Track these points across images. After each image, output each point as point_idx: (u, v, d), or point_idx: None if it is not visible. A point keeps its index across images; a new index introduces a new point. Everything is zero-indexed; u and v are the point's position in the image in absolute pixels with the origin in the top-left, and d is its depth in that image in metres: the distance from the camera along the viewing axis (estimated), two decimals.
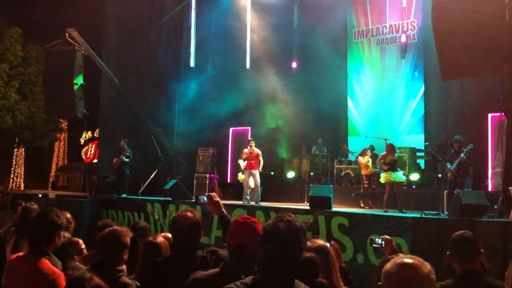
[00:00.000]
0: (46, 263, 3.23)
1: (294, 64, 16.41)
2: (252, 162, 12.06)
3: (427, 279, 2.04)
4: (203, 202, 3.99)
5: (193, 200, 11.59)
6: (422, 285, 2.03)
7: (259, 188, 12.03)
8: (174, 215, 10.81)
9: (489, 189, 10.90)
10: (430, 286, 2.05)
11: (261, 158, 12.20)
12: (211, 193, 4.01)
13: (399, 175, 10.75)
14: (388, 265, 2.10)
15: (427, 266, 2.07)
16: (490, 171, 11.25)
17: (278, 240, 2.29)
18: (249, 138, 12.39)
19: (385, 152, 10.94)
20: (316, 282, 2.96)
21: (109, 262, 3.31)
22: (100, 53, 15.87)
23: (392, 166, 10.74)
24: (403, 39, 14.54)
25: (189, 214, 3.40)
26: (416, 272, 2.03)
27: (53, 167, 23.49)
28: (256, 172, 12.06)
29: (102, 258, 3.39)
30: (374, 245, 4.08)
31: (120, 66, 15.99)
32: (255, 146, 12.19)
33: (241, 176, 12.77)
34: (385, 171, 10.72)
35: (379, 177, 11.20)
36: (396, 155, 11.03)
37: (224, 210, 3.95)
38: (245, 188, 12.18)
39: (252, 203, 11.87)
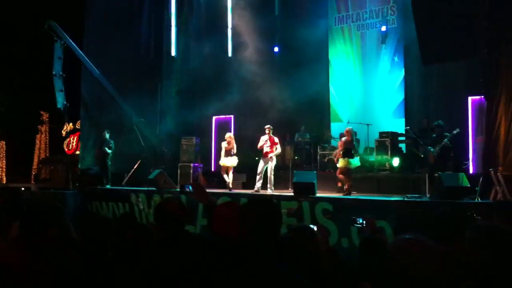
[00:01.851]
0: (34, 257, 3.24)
1: (276, 49, 16.37)
2: (269, 149, 11.93)
3: (434, 251, 2.11)
4: (188, 191, 4.00)
5: (178, 190, 11.59)
6: (429, 257, 2.11)
7: (273, 176, 11.98)
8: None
9: (470, 171, 11.06)
10: (437, 259, 2.13)
11: (278, 146, 12.09)
12: (197, 181, 4.03)
13: (355, 161, 11.02)
14: (394, 242, 2.18)
15: (430, 241, 2.15)
16: (470, 153, 11.41)
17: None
18: (266, 126, 12.11)
19: (347, 138, 11.09)
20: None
21: None
22: (80, 43, 15.71)
23: (348, 151, 10.95)
24: (383, 29, 14.59)
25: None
26: (422, 245, 2.11)
27: (35, 159, 23.25)
28: (272, 160, 11.97)
29: None
30: (355, 225, 4.12)
31: (101, 56, 15.83)
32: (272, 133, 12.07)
33: (223, 162, 12.65)
34: (342, 156, 10.96)
35: None
36: (354, 140, 11.28)
37: (210, 198, 3.97)
38: (258, 176, 11.97)
39: (264, 191, 11.80)
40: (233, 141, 12.76)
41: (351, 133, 11.22)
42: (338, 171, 11.22)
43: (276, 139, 12.11)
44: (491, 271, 2.24)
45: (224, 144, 12.75)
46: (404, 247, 2.16)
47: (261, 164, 12.05)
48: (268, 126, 12.20)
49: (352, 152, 11.02)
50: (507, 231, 2.32)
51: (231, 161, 12.60)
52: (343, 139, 11.24)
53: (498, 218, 3.80)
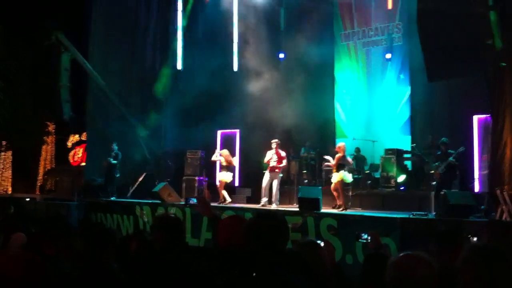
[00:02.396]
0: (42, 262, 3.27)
1: (281, 55, 16.37)
2: (276, 164, 11.95)
3: (431, 267, 2.13)
4: (193, 204, 4.04)
5: (183, 203, 11.61)
6: (425, 273, 2.12)
7: (278, 191, 12.04)
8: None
9: (476, 189, 11.02)
10: (434, 274, 2.14)
11: (285, 161, 12.17)
12: (201, 195, 4.07)
13: (348, 177, 11.25)
14: (395, 258, 2.20)
15: (429, 257, 2.17)
16: (476, 172, 11.38)
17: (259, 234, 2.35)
18: (273, 140, 12.25)
19: (340, 154, 11.30)
20: None
21: None
22: (87, 55, 15.82)
23: (341, 167, 11.18)
24: (388, 56, 14.65)
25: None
26: (420, 260, 2.13)
27: (41, 170, 23.30)
28: (278, 175, 12.03)
29: None
30: (360, 240, 4.16)
31: (107, 68, 15.94)
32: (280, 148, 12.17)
33: (222, 176, 12.78)
34: (337, 171, 11.19)
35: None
36: (347, 156, 11.59)
37: (214, 211, 3.98)
38: (262, 190, 12.00)
39: (269, 206, 11.81)
40: (229, 157, 12.93)
41: (343, 149, 11.45)
42: (332, 187, 11.36)
43: (283, 153, 12.14)
44: None
45: (221, 159, 12.96)
46: (406, 265, 2.18)
47: (266, 178, 12.04)
48: (275, 140, 12.25)
49: (345, 168, 11.24)
50: (500, 250, 2.33)
51: (228, 176, 12.76)
52: (337, 155, 11.35)
53: (490, 237, 3.85)
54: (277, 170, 11.97)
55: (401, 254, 2.25)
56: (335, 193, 11.28)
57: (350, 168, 11.91)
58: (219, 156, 13.01)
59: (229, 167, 12.85)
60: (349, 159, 11.87)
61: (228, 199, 12.65)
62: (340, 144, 11.67)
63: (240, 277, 2.33)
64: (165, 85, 17.14)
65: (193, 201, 3.72)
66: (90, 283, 3.09)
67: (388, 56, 14.66)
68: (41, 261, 3.22)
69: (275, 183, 11.95)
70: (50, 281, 3.06)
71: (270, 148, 12.15)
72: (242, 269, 2.37)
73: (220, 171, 12.95)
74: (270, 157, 12.02)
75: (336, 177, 11.16)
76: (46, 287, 2.80)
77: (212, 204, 12.49)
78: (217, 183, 12.93)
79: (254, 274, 2.28)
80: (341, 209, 10.89)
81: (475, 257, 2.31)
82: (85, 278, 3.11)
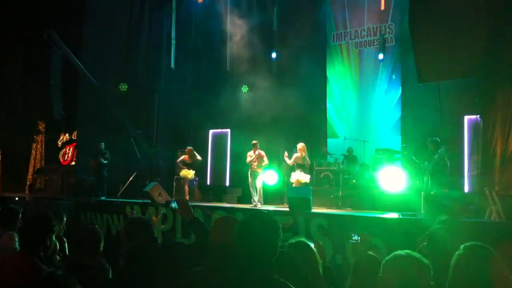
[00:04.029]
0: (37, 263, 3.28)
1: (274, 55, 16.37)
2: (257, 164, 12.24)
3: (425, 267, 2.13)
4: (174, 207, 4.05)
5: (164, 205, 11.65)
6: (419, 272, 2.12)
7: (262, 190, 12.30)
8: (153, 218, 10.77)
9: (465, 190, 11.07)
10: (429, 275, 2.14)
11: (265, 159, 12.40)
12: (182, 198, 4.10)
13: (304, 177, 11.78)
14: (388, 259, 2.19)
15: (423, 257, 2.17)
16: (466, 172, 11.42)
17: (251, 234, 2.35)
18: (253, 141, 12.57)
19: (299, 154, 11.72)
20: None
21: None
22: (78, 53, 15.73)
23: (299, 167, 11.73)
24: (380, 57, 14.68)
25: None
26: (414, 260, 2.13)
27: (30, 169, 23.15)
28: (260, 174, 12.27)
29: None
30: (350, 241, 4.18)
31: (99, 66, 15.86)
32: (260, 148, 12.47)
33: (184, 172, 13.40)
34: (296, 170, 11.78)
35: None
36: (304, 156, 11.94)
37: (193, 214, 3.99)
38: (251, 191, 12.30)
39: (258, 205, 12.07)
40: (191, 153, 13.61)
41: (303, 150, 11.83)
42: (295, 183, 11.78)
43: (263, 153, 12.39)
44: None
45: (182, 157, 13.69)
46: (398, 265, 2.18)
47: (250, 179, 12.33)
48: (255, 141, 12.51)
49: (305, 168, 11.87)
50: (490, 251, 2.34)
51: (190, 173, 13.43)
52: (296, 155, 11.74)
53: None
54: (258, 170, 12.22)
55: (394, 254, 2.24)
56: None
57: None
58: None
59: (191, 164, 13.53)
60: (308, 159, 12.13)
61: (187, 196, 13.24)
62: (300, 144, 11.88)
63: (234, 277, 2.33)
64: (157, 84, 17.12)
65: (174, 204, 3.73)
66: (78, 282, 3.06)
67: (381, 56, 14.71)
68: (35, 263, 3.22)
69: (259, 183, 12.20)
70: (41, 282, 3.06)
71: (251, 149, 12.44)
72: (236, 269, 2.36)
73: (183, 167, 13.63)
74: (251, 158, 12.24)
75: (294, 177, 11.69)
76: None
77: (204, 204, 12.56)
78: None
79: (248, 275, 2.28)
80: None
81: (470, 256, 2.31)
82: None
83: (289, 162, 12.04)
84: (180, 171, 13.65)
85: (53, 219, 3.56)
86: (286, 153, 12.31)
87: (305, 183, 11.82)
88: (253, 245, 2.34)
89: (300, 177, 11.72)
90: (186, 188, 13.51)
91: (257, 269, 2.32)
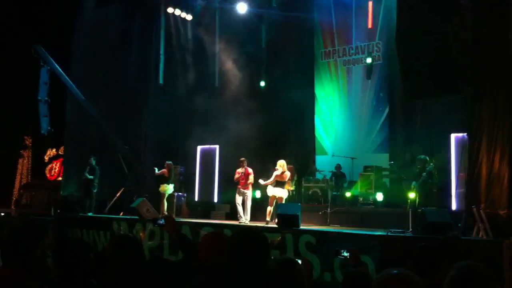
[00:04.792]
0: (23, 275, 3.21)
1: (262, 83, 16.52)
2: (244, 181, 12.28)
3: (417, 286, 2.12)
4: (161, 224, 4.04)
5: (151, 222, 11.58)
6: None
7: (249, 207, 12.32)
8: (140, 234, 10.72)
9: (453, 207, 11.12)
10: None
11: (251, 178, 12.38)
12: (168, 215, 4.07)
13: (281, 192, 11.85)
14: (379, 277, 2.17)
15: (415, 275, 2.16)
16: (453, 190, 11.48)
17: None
18: (241, 158, 12.61)
19: (282, 170, 11.80)
20: None
21: None
22: (66, 69, 15.69)
23: (280, 184, 11.84)
24: (368, 60, 14.73)
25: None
26: (409, 282, 2.11)
27: (17, 184, 22.93)
28: (248, 192, 12.30)
29: None
30: (339, 257, 4.16)
31: (87, 82, 15.81)
32: (247, 165, 12.50)
33: (164, 188, 13.45)
34: (274, 186, 11.78)
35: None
36: (284, 171, 11.95)
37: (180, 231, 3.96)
38: (238, 207, 12.32)
39: (246, 222, 12.09)
40: (169, 168, 13.73)
41: (283, 166, 11.85)
42: (271, 201, 11.85)
43: (250, 170, 12.41)
44: None
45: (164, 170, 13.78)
46: (390, 283, 2.16)
47: (237, 196, 12.37)
48: (242, 158, 12.54)
49: (285, 185, 11.92)
50: (486, 271, 2.33)
51: (169, 188, 13.56)
52: (279, 172, 11.78)
53: (446, 254, 3.92)
54: (246, 187, 12.29)
55: (386, 272, 2.22)
56: (270, 208, 11.83)
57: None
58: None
59: (168, 179, 13.64)
60: (288, 175, 12.10)
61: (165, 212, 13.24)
62: (280, 161, 11.98)
63: None
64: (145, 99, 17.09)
65: (161, 221, 3.72)
66: None
67: (369, 60, 14.65)
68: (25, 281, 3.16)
69: (247, 200, 12.27)
70: None
71: (239, 166, 12.45)
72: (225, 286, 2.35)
73: (162, 183, 13.67)
74: (239, 175, 12.31)
75: (270, 191, 11.83)
76: None
77: (192, 220, 12.49)
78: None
79: None
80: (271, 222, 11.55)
81: (464, 277, 2.30)
82: None
83: (269, 182, 11.94)
84: (159, 186, 13.67)
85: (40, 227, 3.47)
86: (260, 181, 12.24)
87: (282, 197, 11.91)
88: (241, 262, 2.33)
89: (276, 192, 11.78)
90: (164, 202, 13.47)
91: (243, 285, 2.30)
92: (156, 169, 13.82)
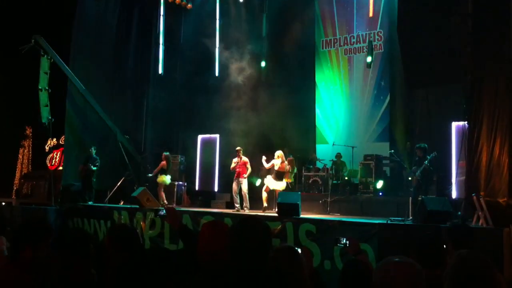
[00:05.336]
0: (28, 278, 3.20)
1: (262, 72, 16.47)
2: (240, 170, 12.48)
3: (419, 274, 2.12)
4: (162, 215, 4.04)
5: (161, 208, 11.58)
6: (414, 279, 2.11)
7: (247, 195, 12.50)
8: (141, 223, 10.79)
9: (453, 196, 11.13)
10: (422, 281, 2.13)
11: (248, 166, 12.60)
12: (170, 206, 4.07)
13: (278, 185, 12.09)
14: (381, 264, 2.18)
15: (417, 264, 2.16)
16: (453, 178, 11.49)
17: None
18: (237, 148, 12.82)
19: (281, 161, 12.10)
20: None
21: None
22: (67, 59, 15.65)
23: (278, 173, 12.06)
24: (368, 59, 14.64)
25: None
26: (411, 269, 2.12)
27: (17, 174, 22.98)
28: (244, 180, 12.46)
29: None
30: (339, 244, 4.17)
31: (87, 72, 15.78)
32: (243, 154, 12.68)
33: (163, 178, 13.58)
34: (274, 178, 12.13)
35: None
36: (283, 162, 12.23)
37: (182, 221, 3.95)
38: (234, 197, 12.56)
39: (243, 211, 12.26)
40: (167, 159, 13.90)
41: (281, 156, 12.17)
42: (266, 188, 12.15)
43: (246, 159, 12.60)
44: None
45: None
46: (391, 271, 2.16)
47: (234, 185, 12.58)
48: (238, 148, 12.74)
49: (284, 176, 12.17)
50: (486, 259, 2.33)
51: (167, 179, 13.70)
52: (274, 161, 12.07)
53: (449, 242, 3.91)
54: (242, 176, 12.50)
55: (387, 260, 2.22)
56: (266, 195, 12.15)
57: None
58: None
59: (167, 170, 13.81)
60: (286, 165, 12.32)
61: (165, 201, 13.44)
62: (278, 152, 12.25)
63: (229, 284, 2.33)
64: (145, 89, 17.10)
65: (163, 212, 3.73)
66: None
67: (369, 59, 14.56)
68: (27, 277, 3.16)
69: (243, 188, 12.47)
70: None
71: (235, 156, 12.66)
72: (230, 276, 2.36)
73: (160, 174, 13.77)
74: (235, 164, 12.53)
75: (267, 183, 12.03)
76: None
77: (192, 209, 12.52)
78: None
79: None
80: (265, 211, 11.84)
81: (466, 266, 2.30)
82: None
83: (267, 166, 12.32)
84: (157, 177, 13.77)
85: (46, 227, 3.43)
86: (264, 158, 12.49)
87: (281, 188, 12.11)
88: (243, 251, 2.33)
89: (274, 185, 12.04)
90: (162, 194, 13.60)
91: (250, 278, 2.31)
92: (150, 174, 14.17)
